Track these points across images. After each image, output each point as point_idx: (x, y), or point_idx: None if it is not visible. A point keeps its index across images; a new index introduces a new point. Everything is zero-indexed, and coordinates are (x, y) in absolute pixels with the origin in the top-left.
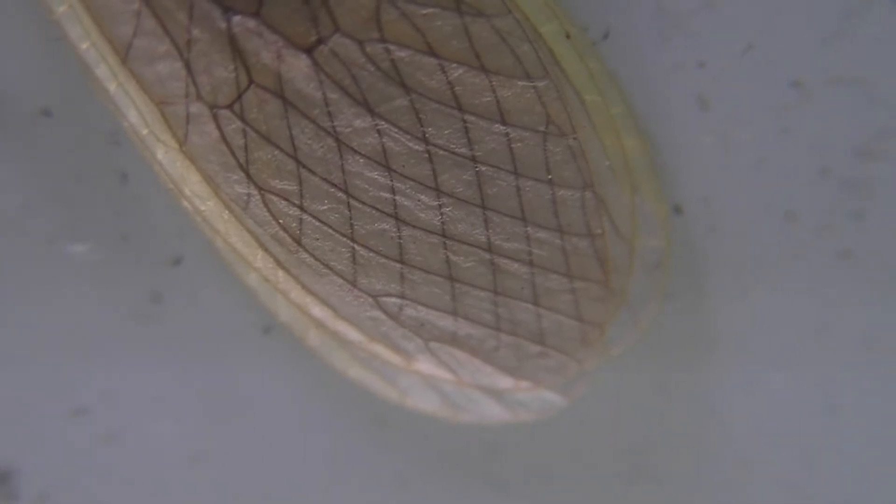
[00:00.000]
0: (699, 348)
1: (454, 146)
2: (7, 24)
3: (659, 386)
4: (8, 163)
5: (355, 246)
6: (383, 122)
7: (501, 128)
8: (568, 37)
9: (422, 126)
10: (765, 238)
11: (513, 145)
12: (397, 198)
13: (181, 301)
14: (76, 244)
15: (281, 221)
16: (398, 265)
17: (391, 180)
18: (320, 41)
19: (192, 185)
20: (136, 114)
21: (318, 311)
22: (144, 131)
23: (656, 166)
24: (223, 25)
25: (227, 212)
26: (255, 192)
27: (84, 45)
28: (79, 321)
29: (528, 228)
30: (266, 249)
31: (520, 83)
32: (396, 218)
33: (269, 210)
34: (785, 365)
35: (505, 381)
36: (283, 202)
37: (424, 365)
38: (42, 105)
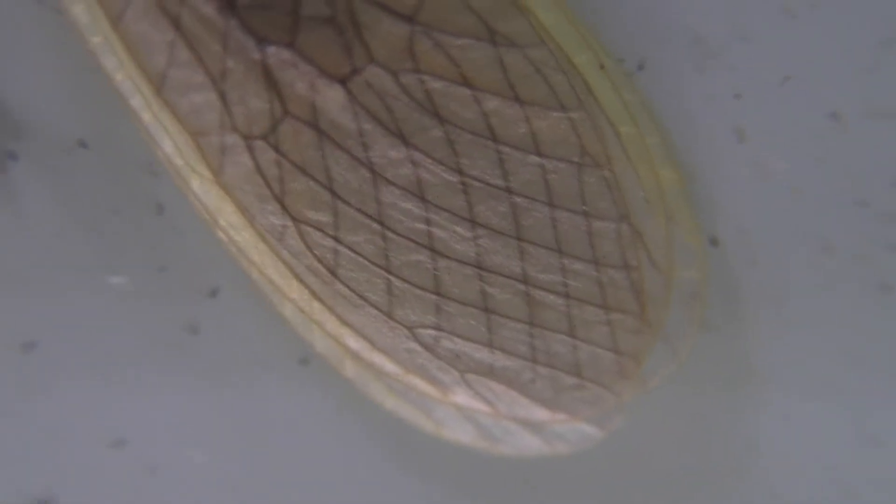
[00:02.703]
0: (736, 379)
1: (489, 177)
2: (43, 55)
3: (696, 417)
4: (45, 194)
5: (391, 277)
6: (418, 153)
7: (536, 159)
8: (602, 67)
9: (456, 157)
10: (802, 269)
11: (548, 176)
12: (432, 229)
13: (218, 332)
14: (113, 275)
15: (316, 252)
16: (434, 296)
17: (426, 211)
18: (355, 72)
19: (228, 216)
20: (171, 144)
21: (353, 342)
22: (179, 162)
23: (692, 197)
24: (258, 56)
25: (262, 243)
26: (289, 223)
27: (119, 76)
28: (116, 352)
29: (564, 260)
30: (301, 280)
31: (554, 114)
32: (432, 249)
33: (304, 241)
34: (822, 396)
35: (541, 413)
36: (318, 233)
37: (461, 396)
38: (78, 136)
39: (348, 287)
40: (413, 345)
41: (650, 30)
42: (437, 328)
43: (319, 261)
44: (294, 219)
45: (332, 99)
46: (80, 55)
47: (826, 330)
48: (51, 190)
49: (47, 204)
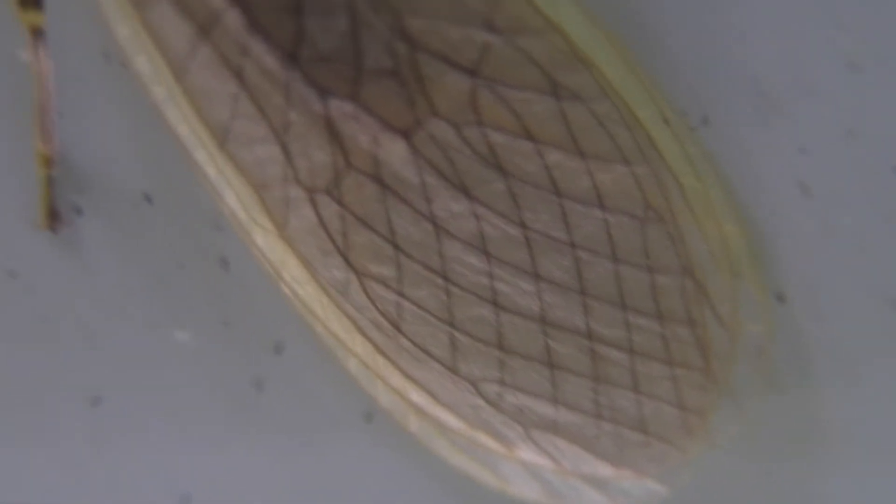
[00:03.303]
0: (804, 438)
1: (552, 231)
2: (109, 109)
3: (763, 476)
4: (110, 249)
5: (454, 331)
6: (481, 207)
7: (599, 212)
8: (666, 122)
9: (519, 210)
10: (870, 326)
11: (611, 231)
12: (496, 283)
13: (282, 387)
14: (178, 331)
15: (379, 306)
16: (497, 351)
17: (489, 265)
18: (417, 125)
19: (291, 270)
20: (235, 198)
21: (417, 397)
22: (243, 216)
23: (758, 252)
24: (320, 109)
25: (325, 297)
26: (353, 276)
27: (183, 129)
28: (182, 407)
29: (628, 314)
30: (365, 335)
31: (618, 167)
32: (495, 304)
33: (367, 295)
34: (893, 456)
35: (606, 470)
36: (381, 287)
37: (525, 452)
38: (144, 190)
39: (412, 341)
40: (477, 400)
41: (714, 83)
42: (501, 383)
43: (383, 315)
44: (357, 272)
45: (394, 152)
46: (146, 109)
47: None
48: (116, 244)
49: (113, 258)
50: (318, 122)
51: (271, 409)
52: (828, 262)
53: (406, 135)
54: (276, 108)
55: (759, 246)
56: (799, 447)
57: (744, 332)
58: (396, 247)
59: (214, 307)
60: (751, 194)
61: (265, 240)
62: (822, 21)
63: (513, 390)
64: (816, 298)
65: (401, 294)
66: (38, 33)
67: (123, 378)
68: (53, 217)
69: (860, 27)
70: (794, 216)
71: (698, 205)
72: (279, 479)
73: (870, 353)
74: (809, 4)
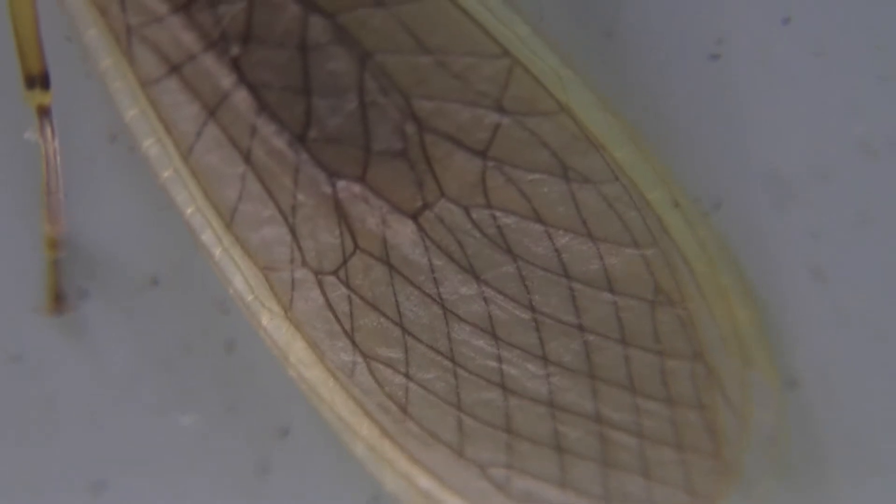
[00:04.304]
0: None
1: (561, 314)
2: (116, 192)
3: None
4: (116, 331)
5: (462, 415)
6: (490, 290)
7: (609, 296)
8: (677, 205)
9: (528, 293)
10: (885, 413)
11: (621, 314)
12: (504, 366)
13: (289, 472)
14: (183, 415)
15: (387, 390)
16: (505, 435)
17: (498, 348)
18: (426, 206)
19: (298, 352)
20: (242, 280)
21: (425, 481)
22: (250, 297)
23: (770, 337)
24: (329, 190)
25: (332, 379)
26: (360, 359)
27: (190, 210)
28: (187, 492)
29: (637, 398)
30: (372, 418)
31: (628, 251)
32: (503, 387)
33: (374, 378)
34: None
35: None
36: (388, 370)
37: None
38: (150, 273)
39: (419, 425)
40: (485, 484)
41: (727, 167)
42: (509, 467)
43: (390, 398)
44: (365, 355)
45: (403, 234)
46: (153, 191)
47: None
48: (122, 328)
49: (118, 342)
50: (325, 204)
51: (278, 493)
52: (842, 347)
53: (414, 216)
54: (283, 189)
55: (773, 331)
56: None
57: (755, 418)
58: (404, 329)
59: (220, 391)
60: (763, 278)
61: (272, 322)
62: (836, 106)
63: (521, 474)
64: (831, 384)
65: (408, 377)
66: (44, 113)
67: (128, 463)
68: (59, 301)
69: (874, 112)
70: (807, 301)
71: (709, 288)
72: None
73: (885, 439)
74: (823, 90)
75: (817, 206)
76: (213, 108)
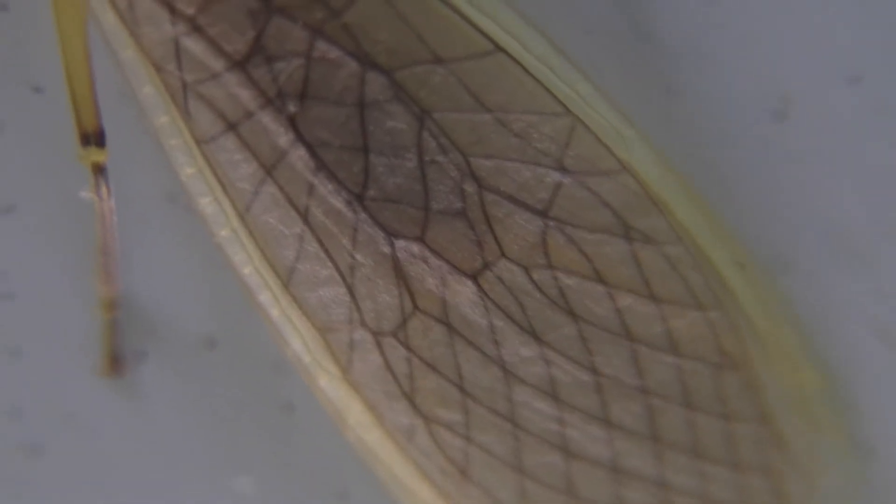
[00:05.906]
0: None
1: (624, 376)
2: (174, 253)
3: None
4: (173, 393)
5: (523, 478)
6: (551, 351)
7: (672, 358)
8: (741, 265)
9: (590, 355)
10: None
11: (684, 376)
12: (566, 429)
13: None
14: (240, 476)
15: (447, 452)
16: (567, 498)
17: (559, 411)
18: (486, 267)
19: (356, 415)
20: (300, 340)
21: None
22: (307, 359)
23: (838, 400)
24: (387, 250)
25: (391, 442)
26: (420, 421)
27: (247, 270)
28: None
29: (702, 463)
30: (431, 481)
31: (691, 313)
32: (565, 450)
33: (434, 440)
34: None
35: None
36: (448, 432)
37: None
38: (207, 334)
39: (480, 488)
40: None
41: (792, 227)
42: None
43: (450, 461)
44: (424, 417)
45: (462, 294)
46: (210, 250)
47: None
48: (178, 388)
49: (174, 403)
50: (384, 264)
51: None
52: None
53: (474, 277)
54: (341, 249)
55: (841, 394)
56: None
57: (823, 483)
58: (464, 391)
59: (277, 453)
60: (830, 340)
61: (329, 384)
62: None
63: None
64: None
65: (468, 439)
66: (99, 171)
67: None
68: (116, 362)
69: None
70: (876, 364)
71: (774, 351)
72: None
73: None
74: (889, 147)
75: (885, 266)
76: (271, 167)
